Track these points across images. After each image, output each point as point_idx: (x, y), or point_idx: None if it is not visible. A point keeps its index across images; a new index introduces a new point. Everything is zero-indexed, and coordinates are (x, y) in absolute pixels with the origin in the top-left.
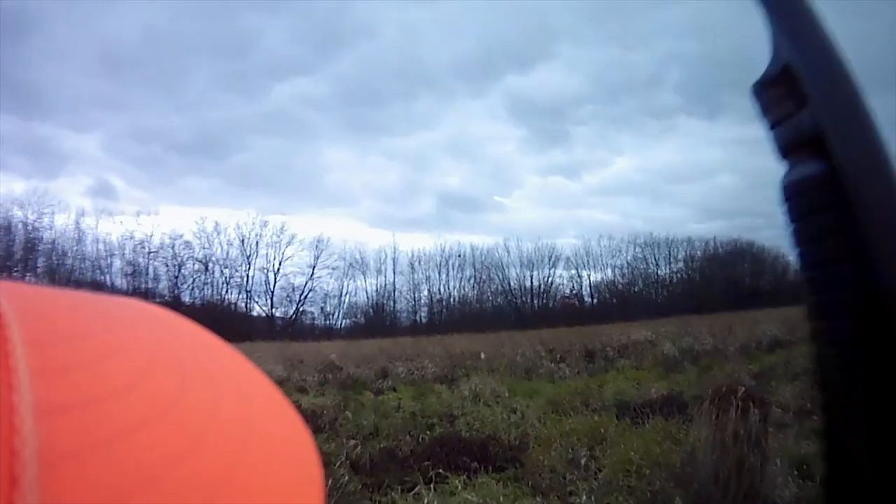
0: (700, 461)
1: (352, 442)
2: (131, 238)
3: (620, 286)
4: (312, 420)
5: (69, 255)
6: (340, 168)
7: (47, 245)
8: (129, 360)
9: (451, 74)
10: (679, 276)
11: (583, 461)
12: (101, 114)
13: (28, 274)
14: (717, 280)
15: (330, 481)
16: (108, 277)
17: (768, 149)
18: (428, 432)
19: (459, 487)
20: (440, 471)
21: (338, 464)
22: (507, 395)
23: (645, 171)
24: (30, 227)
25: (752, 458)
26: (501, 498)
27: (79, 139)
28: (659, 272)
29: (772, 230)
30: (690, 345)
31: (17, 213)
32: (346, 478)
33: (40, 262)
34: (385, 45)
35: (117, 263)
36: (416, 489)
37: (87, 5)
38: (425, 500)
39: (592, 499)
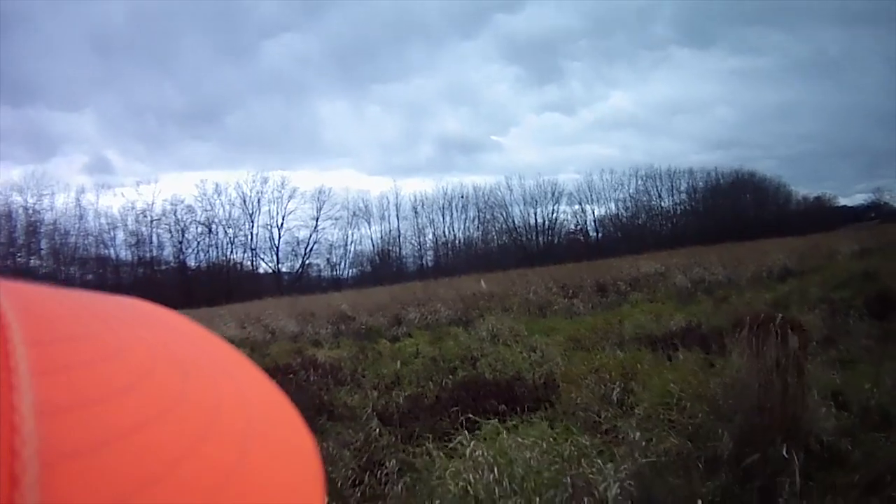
0: (742, 392)
1: (374, 393)
2: (133, 209)
3: (624, 219)
4: (332, 373)
5: (72, 233)
6: (337, 121)
7: (49, 226)
8: (130, 359)
9: (441, 18)
10: (682, 207)
11: (615, 397)
12: (92, 92)
13: (32, 257)
14: (721, 211)
15: (361, 435)
16: (112, 250)
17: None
18: (450, 377)
19: (503, 432)
20: (470, 415)
21: (364, 416)
22: (525, 333)
23: (641, 104)
24: (30, 211)
25: (793, 387)
26: (551, 439)
27: (72, 119)
28: (662, 204)
29: (770, 160)
30: (702, 276)
31: (17, 199)
32: (377, 430)
33: (43, 243)
34: None
35: (120, 235)
36: (453, 437)
37: None
38: (469, 447)
39: (637, 436)
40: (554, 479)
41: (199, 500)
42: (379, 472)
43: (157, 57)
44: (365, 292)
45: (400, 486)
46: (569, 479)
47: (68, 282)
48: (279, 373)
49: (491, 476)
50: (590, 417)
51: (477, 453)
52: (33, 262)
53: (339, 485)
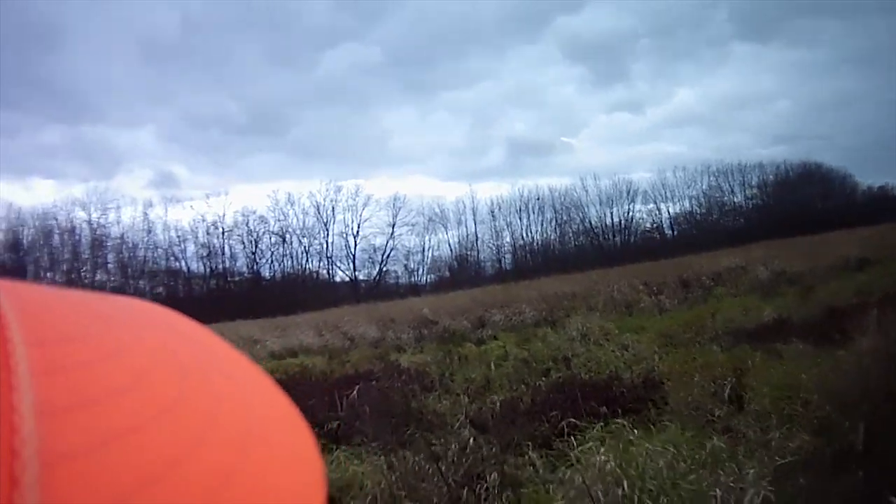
0: (869, 378)
1: (465, 398)
2: (203, 221)
3: (698, 216)
4: (418, 379)
5: (140, 246)
6: (405, 128)
7: (116, 240)
8: (130, 360)
9: (500, 22)
10: (754, 202)
11: (726, 394)
12: (151, 107)
13: (98, 271)
14: (790, 204)
15: (454, 445)
16: (182, 263)
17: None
18: (544, 379)
19: (626, 436)
20: (571, 419)
21: (456, 424)
22: (615, 332)
23: (706, 101)
24: (94, 226)
25: None
26: (685, 445)
27: (132, 135)
28: (734, 199)
29: (833, 151)
30: (781, 268)
31: (80, 215)
32: (471, 439)
33: (110, 258)
34: (429, 3)
35: (191, 248)
36: (555, 444)
37: (119, 2)
38: (594, 455)
39: (767, 436)
40: (696, 490)
41: (199, 500)
42: (478, 486)
43: (214, 69)
44: (444, 297)
45: (503, 503)
46: (717, 491)
47: (137, 295)
48: (361, 379)
49: (620, 491)
50: (702, 416)
51: (598, 460)
52: (100, 276)
53: (434, 502)
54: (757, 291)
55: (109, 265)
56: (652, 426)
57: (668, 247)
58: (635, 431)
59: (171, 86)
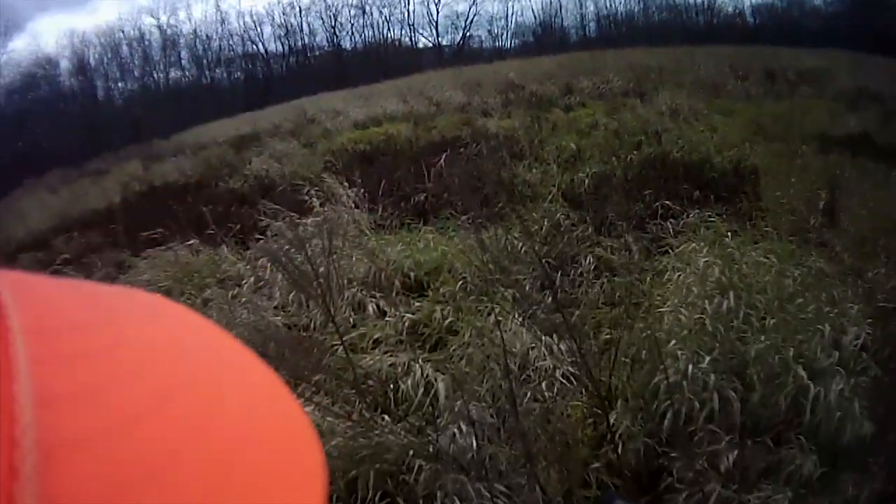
0: None
1: (555, 167)
2: (279, 2)
3: (780, 10)
4: (507, 146)
5: (214, 37)
6: None
7: (189, 37)
8: (131, 350)
9: None
10: (834, 9)
11: (821, 205)
12: None
13: (172, 69)
14: (874, 21)
15: (546, 221)
16: (260, 45)
17: None
18: (635, 152)
19: (724, 236)
20: (666, 202)
21: (549, 197)
22: (705, 112)
23: None
24: (164, 28)
25: None
26: (788, 258)
27: None
28: (815, 1)
29: None
30: (865, 82)
31: (149, 21)
32: (561, 214)
33: (184, 53)
34: None
35: (268, 30)
36: (649, 227)
37: None
38: (675, 251)
39: (855, 257)
40: (804, 319)
41: (199, 492)
42: (572, 270)
43: None
44: (530, 61)
45: (597, 290)
46: (826, 327)
47: (213, 85)
48: (448, 147)
49: (725, 303)
50: (797, 224)
51: (700, 261)
52: (174, 73)
53: (526, 287)
54: (841, 99)
55: (183, 62)
56: (748, 223)
57: (750, 34)
58: (733, 228)
59: None
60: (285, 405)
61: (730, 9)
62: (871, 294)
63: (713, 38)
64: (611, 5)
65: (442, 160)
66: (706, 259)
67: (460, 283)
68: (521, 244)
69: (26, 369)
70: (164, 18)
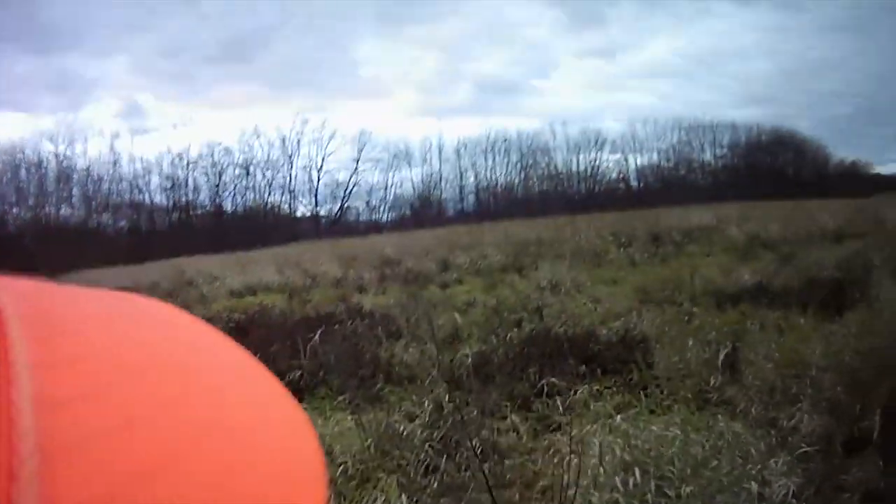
0: (882, 357)
1: (432, 347)
2: (168, 152)
3: (666, 171)
4: (382, 323)
5: (105, 179)
6: (375, 60)
7: (82, 173)
8: (130, 354)
9: None
10: (723, 161)
11: (719, 363)
12: (123, 36)
13: (63, 204)
14: (761, 168)
15: (429, 405)
16: (146, 196)
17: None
18: (516, 330)
19: (601, 406)
20: (552, 379)
21: (428, 379)
22: (587, 283)
23: (680, 54)
24: (61, 158)
25: None
26: (697, 430)
27: (103, 65)
28: (704, 157)
29: (805, 120)
30: (756, 231)
31: (48, 147)
32: (445, 396)
33: (75, 191)
34: None
35: (155, 180)
36: (534, 405)
37: None
38: (569, 430)
39: (760, 409)
40: (722, 479)
41: (199, 493)
42: (457, 454)
43: None
44: (407, 235)
45: (485, 473)
46: (752, 484)
47: (99, 230)
48: (323, 322)
49: (631, 479)
50: (696, 387)
51: (598, 438)
52: (64, 210)
53: (410, 474)
54: (731, 253)
55: (74, 199)
56: (642, 393)
57: (635, 199)
58: (625, 399)
59: (143, 13)
60: (286, 409)
61: (613, 174)
62: (788, 442)
63: (596, 206)
64: (491, 177)
65: (317, 336)
66: (601, 439)
67: (340, 467)
68: (402, 427)
69: (26, 373)
70: (62, 147)
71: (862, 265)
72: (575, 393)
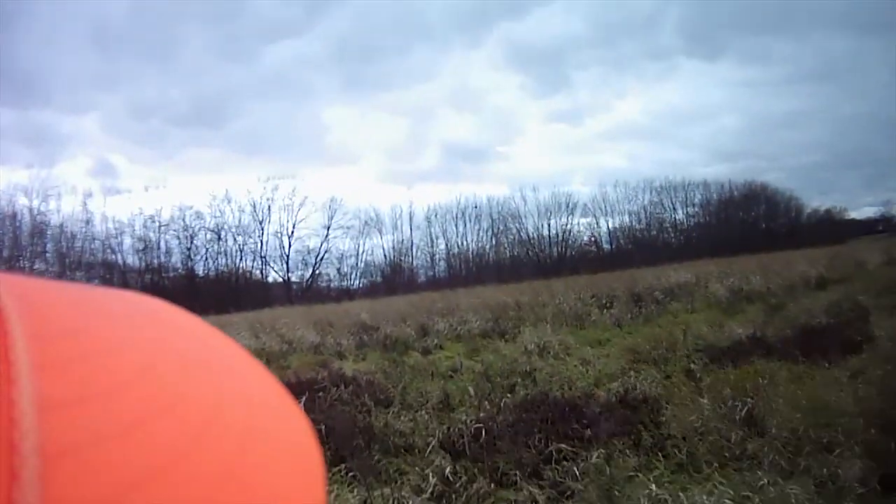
0: None
1: (424, 414)
2: (141, 214)
3: (637, 231)
4: (368, 390)
5: (79, 237)
6: (343, 126)
7: (55, 229)
8: (132, 354)
9: (446, 24)
10: (696, 220)
11: (738, 417)
12: (96, 94)
13: (36, 260)
14: (734, 223)
15: (433, 477)
16: (119, 256)
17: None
18: (509, 395)
19: (616, 471)
20: (561, 445)
21: (428, 449)
22: (575, 346)
23: (648, 115)
24: (35, 213)
25: None
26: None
27: (76, 121)
28: (676, 216)
29: (778, 172)
30: (738, 285)
31: (22, 201)
32: (447, 467)
33: (49, 247)
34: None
35: (128, 241)
36: (544, 473)
37: None
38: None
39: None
40: None
41: (200, 496)
42: None
43: (160, 58)
44: (380, 302)
45: None
46: None
47: None
48: (305, 389)
49: None
50: (717, 443)
51: None
52: (38, 265)
53: None
54: (715, 308)
55: (48, 254)
56: (660, 453)
57: (607, 261)
58: (640, 461)
59: (116, 71)
60: (287, 410)
61: (584, 237)
62: (828, 488)
63: (567, 270)
64: (462, 243)
65: (302, 403)
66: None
67: None
68: (411, 502)
69: (27, 373)
70: (35, 202)
71: (853, 308)
72: (588, 458)
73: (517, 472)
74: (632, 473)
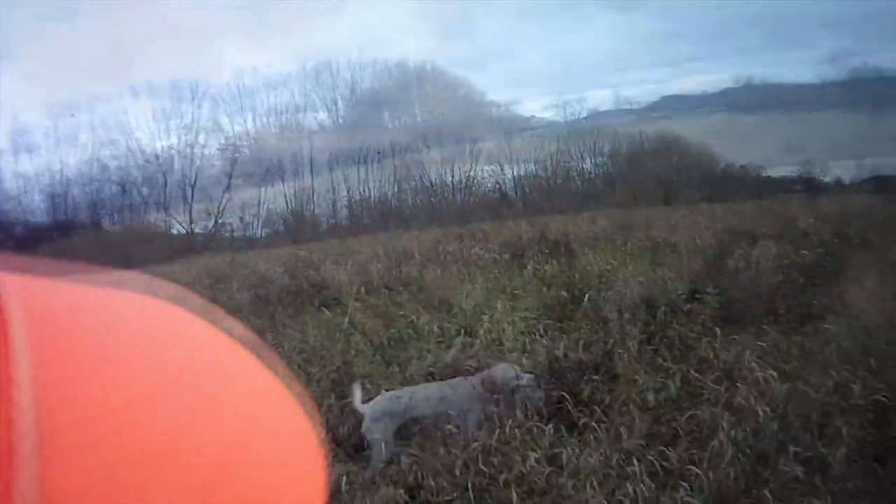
0: None
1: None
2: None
3: (543, 180)
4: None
5: None
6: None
7: None
8: (132, 353)
9: None
10: (604, 169)
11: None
12: None
13: None
14: (645, 174)
15: None
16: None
17: None
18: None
19: None
20: None
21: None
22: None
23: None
24: None
25: None
26: None
27: None
28: (584, 165)
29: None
30: (663, 236)
31: None
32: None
33: None
34: None
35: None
36: None
37: None
38: None
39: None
40: None
41: (199, 491)
42: None
43: None
44: (282, 250)
45: None
46: None
47: None
48: None
49: None
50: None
51: None
52: None
53: None
54: (640, 260)
55: None
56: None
57: (513, 208)
58: None
59: None
60: (287, 408)
61: (489, 185)
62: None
63: (472, 217)
64: (364, 190)
65: None
66: None
67: None
68: None
69: (26, 372)
70: None
71: (808, 270)
72: None
73: None
74: None
